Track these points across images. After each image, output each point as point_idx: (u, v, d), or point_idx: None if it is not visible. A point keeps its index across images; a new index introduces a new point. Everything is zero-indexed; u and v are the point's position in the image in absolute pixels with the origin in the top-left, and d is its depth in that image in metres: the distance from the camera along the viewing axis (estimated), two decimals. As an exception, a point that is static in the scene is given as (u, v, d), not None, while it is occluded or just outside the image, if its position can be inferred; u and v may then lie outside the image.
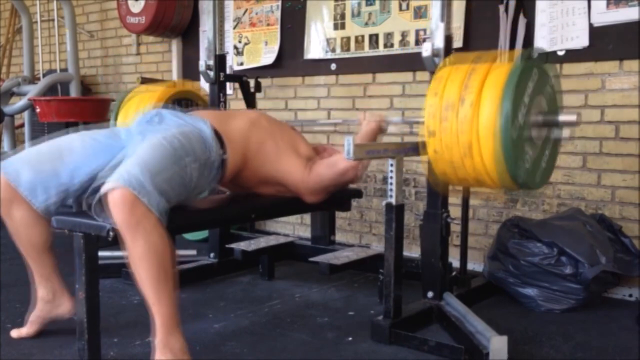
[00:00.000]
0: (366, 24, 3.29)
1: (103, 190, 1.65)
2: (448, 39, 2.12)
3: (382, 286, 2.25)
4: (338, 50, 3.41)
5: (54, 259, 2.07)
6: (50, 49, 4.97)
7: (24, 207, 1.92)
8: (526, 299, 2.45)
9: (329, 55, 3.44)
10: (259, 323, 2.29)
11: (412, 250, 3.11)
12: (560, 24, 2.69)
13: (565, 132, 1.95)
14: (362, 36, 3.31)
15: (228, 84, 3.09)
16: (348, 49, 3.37)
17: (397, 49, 3.19)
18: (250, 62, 3.79)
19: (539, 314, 2.40)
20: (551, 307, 2.41)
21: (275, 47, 3.66)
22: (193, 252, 3.11)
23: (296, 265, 3.01)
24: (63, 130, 2.78)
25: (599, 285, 2.45)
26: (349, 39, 3.36)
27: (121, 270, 2.71)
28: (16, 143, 4.80)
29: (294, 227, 3.74)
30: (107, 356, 1.94)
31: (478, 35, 2.93)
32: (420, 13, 3.11)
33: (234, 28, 3.85)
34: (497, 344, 1.82)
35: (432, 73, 2.14)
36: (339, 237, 3.32)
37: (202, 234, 3.33)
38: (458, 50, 2.79)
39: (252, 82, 3.18)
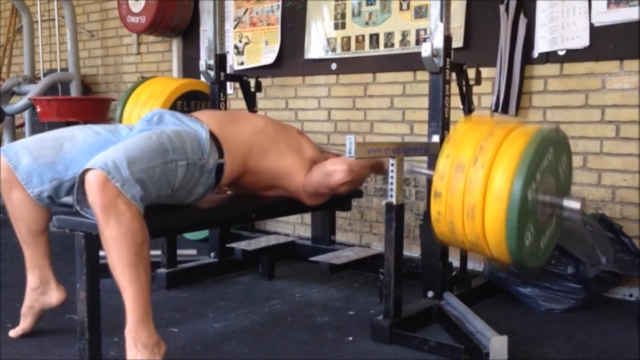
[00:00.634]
0: (367, 23, 3.29)
1: (80, 170, 1.68)
2: (447, 39, 2.13)
3: (382, 286, 2.25)
4: (338, 50, 3.41)
5: (48, 246, 2.09)
6: (50, 48, 4.97)
7: (22, 190, 1.95)
8: (526, 298, 2.45)
9: (330, 55, 3.44)
10: (259, 323, 2.29)
11: (412, 250, 3.11)
12: (560, 24, 2.69)
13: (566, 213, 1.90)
14: (363, 36, 3.31)
15: (228, 84, 3.09)
16: (348, 49, 3.37)
17: (397, 49, 3.19)
18: (250, 61, 3.79)
19: (539, 313, 2.40)
20: (551, 307, 2.41)
21: (275, 46, 3.66)
22: (193, 251, 3.11)
23: (296, 265, 3.01)
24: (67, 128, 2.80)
25: (599, 285, 2.45)
26: (349, 38, 3.36)
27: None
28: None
29: (294, 227, 3.74)
30: (107, 356, 1.94)
31: (478, 35, 2.93)
32: (420, 13, 3.11)
33: (235, 28, 3.85)
34: (497, 344, 1.82)
35: (432, 73, 2.15)
36: (339, 236, 3.32)
37: (202, 234, 3.33)
38: (458, 50, 2.79)
39: (252, 82, 3.18)
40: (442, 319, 2.18)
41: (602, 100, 2.64)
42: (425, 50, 2.10)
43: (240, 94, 3.23)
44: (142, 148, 1.77)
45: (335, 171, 2.16)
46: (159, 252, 2.71)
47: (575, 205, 1.85)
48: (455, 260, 2.50)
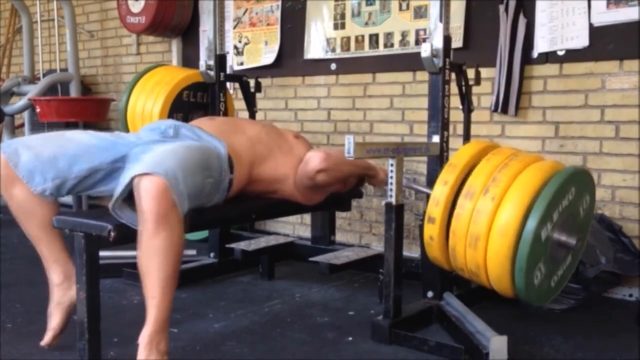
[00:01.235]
0: (366, 23, 3.29)
1: (137, 171, 1.64)
2: (447, 39, 2.13)
3: (382, 286, 2.25)
4: (338, 50, 3.41)
5: (61, 238, 1.98)
6: (50, 48, 4.97)
7: (24, 185, 1.89)
8: (526, 298, 2.45)
9: (329, 55, 3.44)
10: (259, 323, 2.29)
11: (412, 250, 3.11)
12: (560, 24, 2.69)
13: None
14: (362, 36, 3.31)
15: (228, 84, 3.09)
16: (348, 49, 3.37)
17: (397, 49, 3.19)
18: (250, 62, 3.79)
19: (539, 313, 2.40)
20: (551, 307, 2.41)
21: (275, 47, 3.66)
22: (193, 252, 3.10)
23: (296, 265, 3.01)
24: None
25: (599, 285, 2.45)
26: (349, 38, 3.36)
27: (122, 270, 2.72)
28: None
29: (294, 227, 3.74)
30: (107, 356, 1.93)
31: (478, 35, 2.93)
32: (420, 13, 3.11)
33: (234, 28, 3.85)
34: (497, 344, 1.82)
35: (431, 73, 2.15)
36: (339, 237, 3.32)
37: (202, 234, 3.33)
38: (457, 50, 2.79)
39: (252, 82, 3.18)
40: (442, 319, 2.18)
41: (601, 100, 2.64)
42: (425, 50, 2.10)
43: (239, 94, 3.23)
44: (194, 161, 1.78)
45: (311, 157, 2.17)
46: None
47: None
48: (455, 260, 2.50)
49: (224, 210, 2.15)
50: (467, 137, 2.52)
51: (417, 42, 3.10)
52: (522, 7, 2.78)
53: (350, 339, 2.13)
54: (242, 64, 3.82)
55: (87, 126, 3.91)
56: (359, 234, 3.47)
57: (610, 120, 2.63)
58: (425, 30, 3.06)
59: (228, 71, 2.97)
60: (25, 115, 4.69)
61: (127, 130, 2.95)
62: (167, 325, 1.70)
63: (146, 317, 1.67)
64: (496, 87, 2.85)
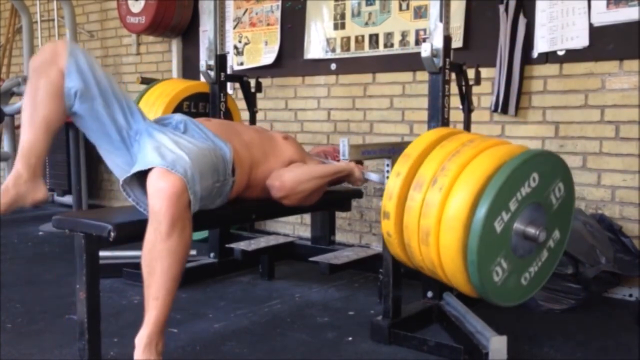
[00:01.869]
0: (366, 23, 3.29)
1: (158, 163, 1.63)
2: (447, 39, 2.13)
3: (381, 286, 2.25)
4: (338, 50, 3.41)
5: (49, 145, 1.79)
6: (50, 48, 4.96)
7: (59, 76, 1.74)
8: (526, 298, 2.45)
9: (329, 55, 3.45)
10: (259, 323, 2.29)
11: (412, 250, 3.11)
12: (560, 24, 2.69)
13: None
14: (362, 36, 3.31)
15: (228, 84, 3.09)
16: (348, 49, 3.37)
17: (397, 49, 3.20)
18: (250, 62, 3.79)
19: (539, 313, 2.40)
20: (551, 307, 2.41)
21: (275, 47, 3.66)
22: (193, 252, 3.10)
23: (296, 265, 3.01)
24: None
25: (599, 285, 2.45)
26: (349, 38, 3.36)
27: (122, 270, 2.72)
28: (16, 143, 4.79)
29: (294, 227, 3.75)
30: (107, 356, 1.94)
31: (478, 35, 2.93)
32: (420, 13, 3.11)
33: (234, 28, 3.85)
34: (497, 344, 1.82)
35: (431, 73, 2.15)
36: (339, 237, 3.32)
37: (202, 234, 3.33)
38: (457, 50, 2.79)
39: (252, 82, 3.18)
40: (441, 319, 2.18)
41: (601, 100, 2.65)
42: (425, 50, 2.10)
43: (240, 94, 3.24)
44: (208, 165, 1.79)
45: (271, 187, 2.15)
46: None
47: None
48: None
49: (223, 210, 2.14)
50: (467, 137, 2.52)
51: (417, 42, 3.10)
52: (522, 7, 2.78)
53: (350, 339, 2.13)
54: (242, 64, 3.82)
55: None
56: (359, 234, 3.47)
57: (610, 120, 2.63)
58: (425, 30, 3.07)
59: (228, 71, 2.98)
60: (26, 115, 4.68)
61: None
62: (164, 328, 1.70)
63: (145, 317, 1.66)
64: (496, 87, 2.85)
